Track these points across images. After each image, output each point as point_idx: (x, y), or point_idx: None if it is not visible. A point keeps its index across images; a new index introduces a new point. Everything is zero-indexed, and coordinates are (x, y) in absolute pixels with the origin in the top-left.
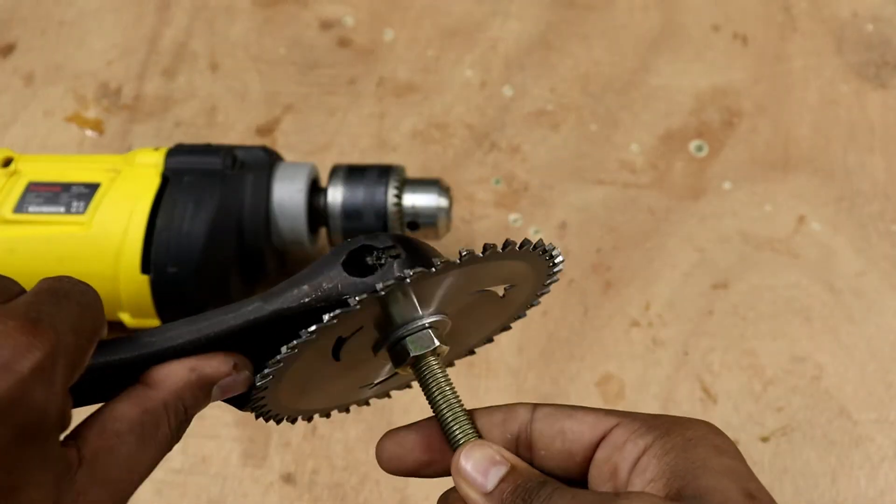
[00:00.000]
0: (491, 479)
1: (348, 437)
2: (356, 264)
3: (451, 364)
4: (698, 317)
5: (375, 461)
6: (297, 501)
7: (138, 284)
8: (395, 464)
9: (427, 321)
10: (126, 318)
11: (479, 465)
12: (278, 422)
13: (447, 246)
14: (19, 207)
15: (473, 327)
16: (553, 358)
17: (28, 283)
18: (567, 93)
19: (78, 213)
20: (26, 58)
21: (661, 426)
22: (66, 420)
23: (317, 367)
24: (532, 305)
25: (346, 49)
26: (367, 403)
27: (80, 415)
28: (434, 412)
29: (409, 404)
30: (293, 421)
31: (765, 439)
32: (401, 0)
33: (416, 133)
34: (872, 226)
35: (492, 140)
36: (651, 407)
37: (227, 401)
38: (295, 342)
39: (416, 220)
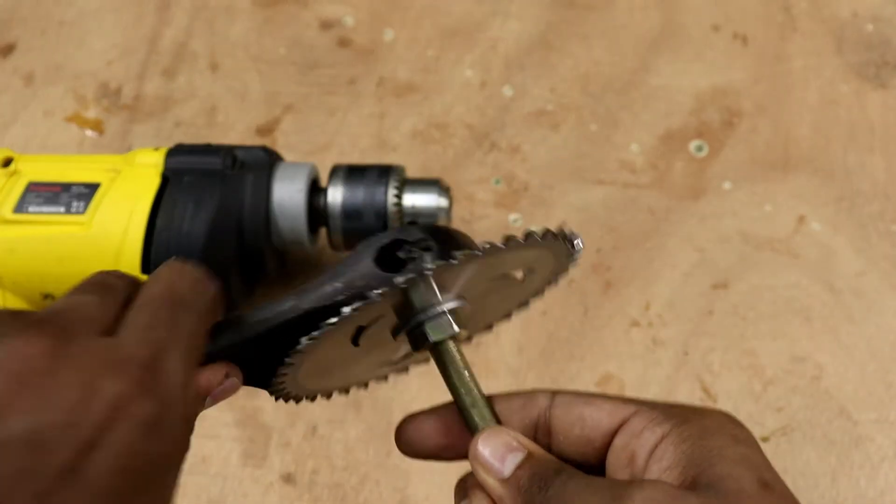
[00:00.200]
0: (508, 466)
1: (348, 437)
2: (388, 259)
3: (469, 339)
4: (698, 317)
5: (375, 461)
6: (297, 501)
7: None
8: (413, 448)
9: (447, 307)
10: None
11: (497, 451)
12: (298, 401)
13: None
14: (19, 207)
15: (492, 307)
16: (553, 358)
17: (28, 283)
18: (567, 93)
19: (78, 213)
20: (26, 58)
21: (679, 415)
22: (186, 449)
23: (336, 352)
24: (551, 285)
25: (346, 49)
26: (386, 379)
27: None
28: (453, 397)
29: (410, 403)
30: (312, 399)
31: (765, 439)
32: (401, 0)
33: (416, 133)
34: (872, 226)
35: (492, 140)
36: None
37: (251, 382)
38: (315, 333)
39: (416, 220)
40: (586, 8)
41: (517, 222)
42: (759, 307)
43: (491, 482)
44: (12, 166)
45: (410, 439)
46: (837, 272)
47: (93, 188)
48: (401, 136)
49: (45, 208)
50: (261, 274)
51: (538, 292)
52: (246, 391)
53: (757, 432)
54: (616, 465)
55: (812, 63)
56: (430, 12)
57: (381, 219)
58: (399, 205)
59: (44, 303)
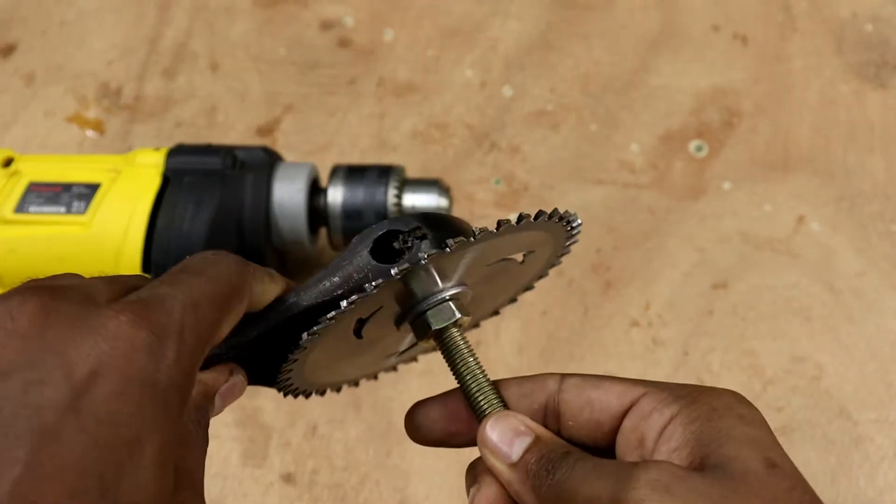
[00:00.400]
0: (516, 450)
1: (348, 437)
2: (383, 250)
3: (476, 325)
4: (698, 317)
5: (375, 461)
6: (297, 501)
7: None
8: (422, 434)
9: (448, 294)
10: None
11: (505, 435)
12: (307, 396)
13: None
14: (20, 207)
15: (495, 291)
16: (553, 358)
17: None
18: (567, 93)
19: (79, 213)
20: (27, 58)
21: (688, 395)
22: (185, 391)
23: (340, 345)
24: (554, 265)
25: (346, 49)
26: (395, 369)
27: None
28: (459, 383)
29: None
30: (322, 393)
31: None
32: (401, 0)
33: (416, 133)
34: (872, 226)
35: (492, 140)
36: None
37: (254, 383)
38: (315, 328)
39: None
40: (586, 8)
41: None
42: (759, 307)
43: (499, 466)
44: (13, 166)
45: (419, 425)
46: (837, 272)
47: (93, 188)
48: (401, 136)
49: (45, 208)
50: None
51: (541, 274)
52: (247, 391)
53: None
54: (625, 447)
55: (812, 63)
56: (430, 12)
57: (381, 219)
58: (399, 205)
59: None
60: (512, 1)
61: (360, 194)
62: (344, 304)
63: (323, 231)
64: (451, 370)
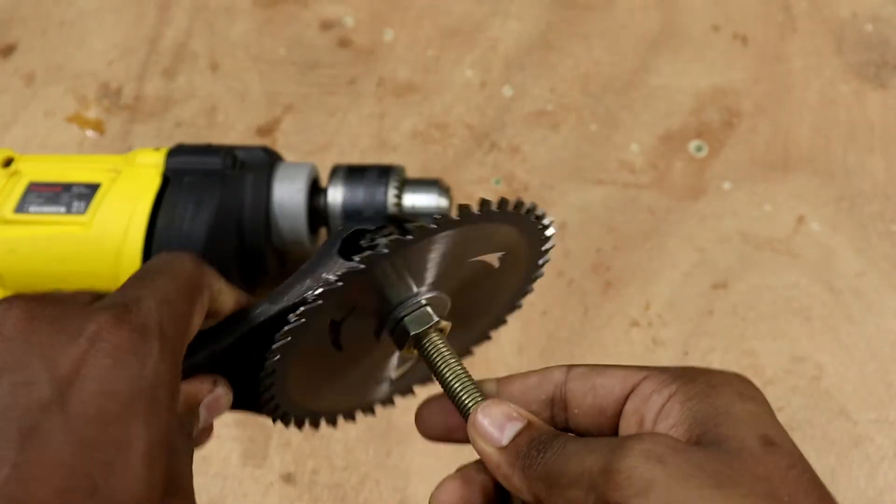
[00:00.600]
0: (507, 434)
1: (348, 437)
2: (352, 250)
3: (469, 353)
4: (698, 317)
5: (375, 461)
6: (297, 501)
7: None
8: (427, 429)
9: (423, 298)
10: None
11: (496, 420)
12: (299, 426)
13: None
14: (20, 207)
15: (479, 306)
16: (553, 358)
17: (29, 282)
18: (567, 93)
19: (79, 213)
20: (27, 58)
21: (687, 375)
22: (172, 388)
23: (320, 358)
24: (535, 279)
25: (346, 49)
26: (392, 402)
27: None
28: (443, 388)
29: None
30: (315, 425)
31: None
32: (401, 0)
33: (416, 133)
34: (872, 226)
35: (492, 140)
36: None
37: (242, 406)
38: (286, 328)
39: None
40: (586, 8)
41: None
42: (759, 307)
43: (489, 450)
44: (13, 166)
45: (424, 421)
46: (837, 272)
47: (93, 188)
48: (401, 136)
49: (45, 208)
50: (261, 274)
51: (525, 288)
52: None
53: None
54: (626, 429)
55: (812, 63)
56: (430, 12)
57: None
58: (399, 205)
59: None
60: (512, 1)
61: (360, 194)
62: (310, 294)
63: (323, 231)
64: (435, 375)
